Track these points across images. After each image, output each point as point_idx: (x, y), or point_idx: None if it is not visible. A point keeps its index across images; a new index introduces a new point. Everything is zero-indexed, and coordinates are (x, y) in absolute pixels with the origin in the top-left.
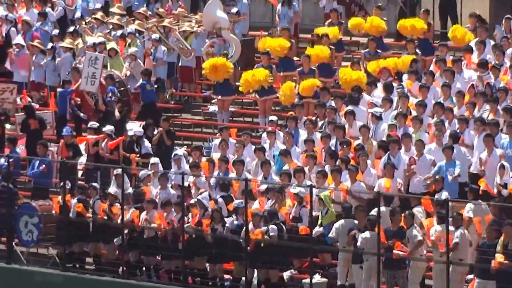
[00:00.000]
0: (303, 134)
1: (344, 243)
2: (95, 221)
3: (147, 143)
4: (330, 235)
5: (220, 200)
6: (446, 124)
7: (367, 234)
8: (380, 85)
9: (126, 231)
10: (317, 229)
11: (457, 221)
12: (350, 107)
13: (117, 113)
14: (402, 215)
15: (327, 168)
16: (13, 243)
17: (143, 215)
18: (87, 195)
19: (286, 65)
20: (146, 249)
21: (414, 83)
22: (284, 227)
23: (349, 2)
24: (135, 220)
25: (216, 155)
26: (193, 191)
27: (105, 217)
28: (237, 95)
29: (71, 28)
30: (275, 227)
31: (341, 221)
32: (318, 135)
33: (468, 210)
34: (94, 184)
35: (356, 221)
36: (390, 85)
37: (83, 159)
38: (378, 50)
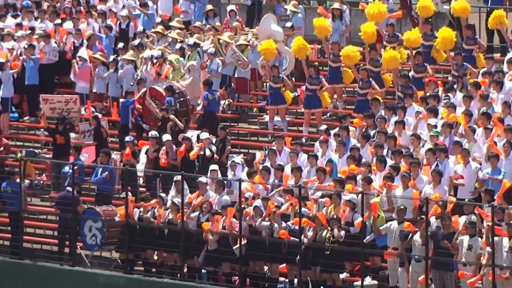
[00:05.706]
0: (354, 143)
1: (394, 245)
2: (159, 227)
3: (213, 148)
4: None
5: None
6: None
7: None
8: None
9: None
10: (368, 237)
11: None
12: (398, 118)
13: (180, 123)
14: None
15: (378, 175)
16: (78, 247)
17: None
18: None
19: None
20: (208, 257)
21: (457, 94)
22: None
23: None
24: (204, 228)
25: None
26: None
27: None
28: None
29: (136, 41)
30: (344, 232)
31: (393, 223)
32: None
33: None
34: (163, 194)
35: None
36: (436, 96)
37: (140, 166)
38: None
